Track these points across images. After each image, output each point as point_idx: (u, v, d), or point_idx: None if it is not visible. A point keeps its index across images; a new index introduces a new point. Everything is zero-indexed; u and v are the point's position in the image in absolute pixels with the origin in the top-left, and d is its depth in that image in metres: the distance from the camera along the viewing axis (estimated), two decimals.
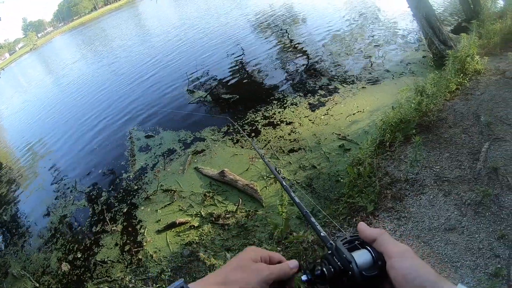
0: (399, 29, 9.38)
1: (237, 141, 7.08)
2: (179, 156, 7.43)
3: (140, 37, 25.60)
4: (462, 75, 5.84)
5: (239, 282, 0.71)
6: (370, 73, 7.71)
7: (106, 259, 5.61)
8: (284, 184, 1.28)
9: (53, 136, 12.56)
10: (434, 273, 0.66)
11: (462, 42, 6.25)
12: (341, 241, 0.80)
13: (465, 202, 3.49)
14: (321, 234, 0.92)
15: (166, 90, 11.67)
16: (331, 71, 8.55)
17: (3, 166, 12.77)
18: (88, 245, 6.18)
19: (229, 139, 7.28)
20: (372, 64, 8.08)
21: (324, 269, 0.76)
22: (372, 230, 0.78)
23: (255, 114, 7.74)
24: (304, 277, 0.78)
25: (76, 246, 6.29)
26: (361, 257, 0.74)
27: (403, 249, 0.71)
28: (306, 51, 10.43)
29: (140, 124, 9.75)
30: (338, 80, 7.93)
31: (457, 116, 4.98)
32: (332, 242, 0.84)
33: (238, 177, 5.89)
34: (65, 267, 5.90)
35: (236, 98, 9.04)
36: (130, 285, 4.89)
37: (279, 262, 0.83)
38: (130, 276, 5.05)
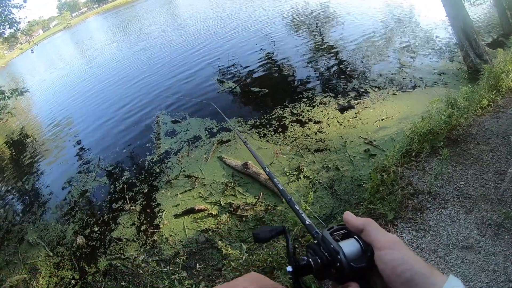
0: (435, 38, 9.19)
1: (264, 135, 7.14)
2: (204, 144, 7.54)
3: (175, 24, 25.67)
4: (495, 91, 5.74)
5: None
6: (402, 80, 7.64)
7: (121, 237, 5.80)
8: (268, 170, 1.26)
9: (81, 114, 12.94)
10: (425, 265, 0.64)
11: (499, 58, 6.15)
12: (327, 230, 0.78)
13: (486, 222, 3.48)
14: (306, 222, 0.89)
15: (196, 78, 11.85)
16: (363, 74, 8.50)
17: (29, 137, 13.24)
18: (105, 221, 6.40)
19: (255, 131, 7.34)
20: (404, 71, 7.99)
21: (311, 260, 0.74)
22: (359, 219, 0.76)
23: (283, 110, 7.77)
24: (289, 268, 0.74)
25: (94, 221, 6.52)
26: (349, 247, 0.72)
27: (392, 240, 0.69)
28: (338, 51, 10.37)
29: (168, 109, 9.92)
30: (369, 84, 7.88)
31: (486, 133, 4.92)
32: (318, 231, 0.82)
33: (261, 171, 5.91)
34: (80, 240, 6.12)
35: (265, 92, 9.08)
36: (143, 265, 4.95)
37: None
38: (143, 256, 5.19)
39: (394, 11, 12.14)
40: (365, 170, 5.32)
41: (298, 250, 3.68)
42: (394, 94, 7.23)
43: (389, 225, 3.88)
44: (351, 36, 11.05)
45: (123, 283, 4.91)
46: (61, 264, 5.82)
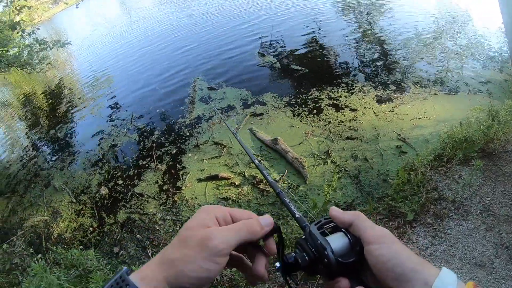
0: (488, 45, 8.76)
1: (298, 114, 7.13)
2: (237, 114, 7.66)
3: None
4: None
5: (179, 261, 0.62)
6: (445, 81, 7.41)
7: (143, 193, 6.05)
8: (257, 162, 1.19)
9: (120, 72, 13.31)
10: (416, 259, 0.63)
11: None
12: (315, 224, 0.76)
13: (504, 244, 3.44)
14: (296, 215, 0.85)
15: (238, 48, 11.78)
16: (407, 68, 8.26)
17: (67, 88, 13.75)
18: (130, 176, 6.69)
19: (290, 109, 7.34)
20: (450, 72, 7.72)
21: (298, 256, 0.73)
22: (346, 213, 0.74)
23: (319, 92, 7.69)
24: (277, 264, 0.74)
25: (119, 174, 6.82)
26: (337, 241, 0.71)
27: (381, 234, 0.68)
28: (385, 41, 10.07)
29: (206, 75, 10.03)
30: (411, 79, 7.68)
31: None
32: (308, 224, 0.79)
33: (290, 149, 5.99)
34: (103, 191, 6.46)
35: (305, 72, 8.98)
36: (160, 222, 5.24)
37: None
38: (161, 214, 5.44)
39: (449, 10, 11.51)
40: (393, 166, 5.31)
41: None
42: (435, 94, 7.03)
43: (407, 225, 3.91)
44: (400, 29, 10.65)
45: (138, 236, 5.18)
46: (82, 211, 6.18)
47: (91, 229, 5.73)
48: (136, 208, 5.79)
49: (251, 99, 8.11)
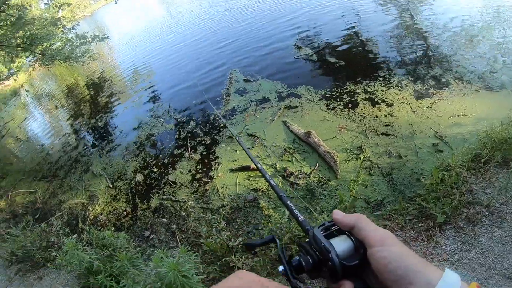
0: None
1: (333, 108, 7.08)
2: (271, 106, 7.73)
3: None
4: None
5: None
6: (488, 77, 7.03)
7: (176, 181, 6.32)
8: (260, 166, 1.24)
9: (159, 65, 13.70)
10: (419, 261, 0.63)
11: None
12: (318, 227, 0.77)
13: None
14: (299, 218, 0.87)
15: (276, 41, 11.73)
16: (448, 63, 7.90)
17: (108, 80, 14.48)
18: (164, 164, 6.99)
19: (325, 103, 7.29)
20: (494, 68, 7.30)
21: (302, 259, 0.73)
22: (348, 216, 0.75)
23: (356, 86, 7.57)
24: (280, 268, 0.74)
25: (154, 162, 7.15)
26: (341, 244, 0.72)
27: (383, 236, 0.69)
28: (426, 35, 9.66)
29: (242, 68, 10.18)
30: (452, 74, 7.34)
31: None
32: (311, 227, 0.81)
33: (322, 143, 6.02)
34: (139, 177, 6.85)
35: (341, 65, 8.85)
36: (190, 209, 5.43)
37: None
38: (192, 202, 5.63)
39: (496, 3, 10.85)
40: (428, 165, 5.16)
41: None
42: (476, 90, 6.69)
43: (436, 228, 3.81)
44: (443, 22, 10.13)
45: (164, 219, 5.53)
46: (117, 196, 6.60)
47: (124, 213, 6.07)
48: (169, 195, 6.05)
49: (286, 91, 8.13)
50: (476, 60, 7.76)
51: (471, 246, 3.52)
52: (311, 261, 0.72)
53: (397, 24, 10.83)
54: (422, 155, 5.47)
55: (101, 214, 6.18)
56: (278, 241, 0.84)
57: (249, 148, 6.50)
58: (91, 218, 6.11)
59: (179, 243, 4.81)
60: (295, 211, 0.90)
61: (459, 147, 5.25)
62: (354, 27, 11.17)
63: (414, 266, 0.62)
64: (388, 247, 0.66)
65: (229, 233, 4.04)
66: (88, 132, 10.16)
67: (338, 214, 0.77)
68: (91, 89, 14.30)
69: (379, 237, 0.68)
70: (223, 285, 0.69)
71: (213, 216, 4.37)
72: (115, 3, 16.08)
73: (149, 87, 11.42)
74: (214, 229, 4.01)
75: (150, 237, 5.28)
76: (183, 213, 5.43)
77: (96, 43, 11.40)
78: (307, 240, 0.77)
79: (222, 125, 7.51)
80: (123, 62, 16.34)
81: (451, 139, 5.66)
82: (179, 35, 17.06)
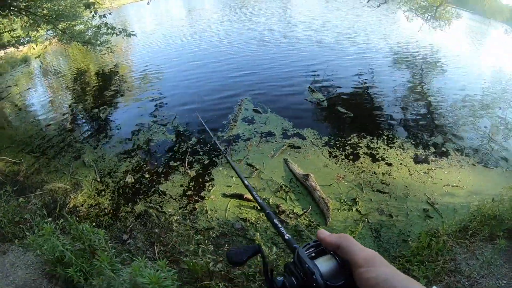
0: None
1: (334, 156, 7.20)
2: (275, 141, 7.79)
3: (286, 20, 25.35)
4: None
5: None
6: (486, 154, 7.33)
7: (166, 192, 6.22)
8: (247, 183, 1.23)
9: (174, 74, 13.60)
10: (406, 281, 0.62)
11: None
12: (303, 247, 0.76)
13: None
14: (286, 237, 0.85)
15: (291, 80, 11.94)
16: (450, 133, 8.22)
17: (119, 75, 14.39)
18: (158, 172, 6.87)
19: (327, 150, 7.42)
20: (492, 145, 7.65)
21: (286, 281, 0.72)
22: (333, 236, 0.74)
23: (359, 139, 7.75)
24: None
25: (147, 168, 7.02)
26: (325, 264, 0.70)
27: (369, 256, 0.67)
28: (433, 102, 10.08)
29: (254, 97, 10.25)
30: (453, 146, 7.64)
31: None
32: (297, 246, 0.78)
33: (319, 188, 6.06)
34: (129, 179, 6.68)
35: (349, 115, 9.08)
36: (175, 224, 5.34)
37: None
38: (178, 217, 5.55)
39: (504, 79, 11.31)
40: (416, 229, 5.28)
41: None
42: (473, 164, 6.97)
43: None
44: (451, 91, 10.63)
45: (156, 230, 5.33)
46: (103, 192, 6.42)
47: (106, 210, 5.93)
48: (155, 204, 5.96)
49: (292, 130, 8.24)
50: (476, 134, 8.10)
51: None
52: (295, 282, 0.71)
53: (408, 86, 11.26)
54: (412, 218, 5.59)
55: (82, 205, 6.04)
56: (262, 250, 0.83)
57: (246, 177, 6.42)
58: (71, 207, 5.96)
59: (157, 255, 4.75)
60: (281, 229, 0.88)
61: (448, 216, 5.40)
62: (366, 81, 11.59)
63: (402, 286, 0.62)
64: (376, 267, 0.66)
65: (214, 257, 3.97)
66: (87, 120, 10.02)
67: (322, 234, 0.76)
68: (100, 79, 14.15)
69: (365, 258, 0.68)
70: None
71: (201, 237, 4.31)
72: (148, 3, 16.01)
73: (160, 92, 11.40)
74: (200, 250, 3.93)
75: (128, 241, 5.17)
76: (166, 226, 5.38)
77: (123, 37, 11.39)
78: (291, 261, 0.76)
79: (223, 148, 7.50)
80: (138, 62, 16.26)
81: (442, 207, 5.81)
82: (197, 52, 17.02)
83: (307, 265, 0.70)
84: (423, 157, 7.20)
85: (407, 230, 5.30)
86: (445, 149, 7.49)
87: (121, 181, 6.67)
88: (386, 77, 12.36)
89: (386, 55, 15.45)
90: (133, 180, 6.67)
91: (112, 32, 11.09)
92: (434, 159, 7.14)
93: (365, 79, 11.93)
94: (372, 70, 12.95)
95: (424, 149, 7.48)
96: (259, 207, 5.50)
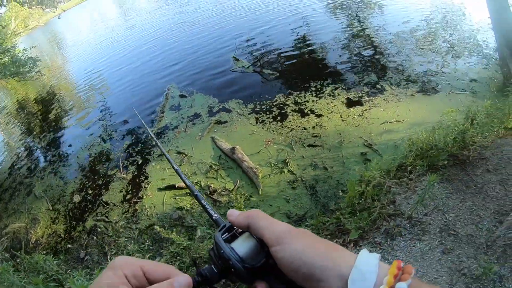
0: (478, 40, 8.13)
1: (262, 121, 6.81)
2: (202, 122, 7.51)
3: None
4: None
5: None
6: (426, 80, 6.83)
7: (109, 201, 6.13)
8: (176, 167, 1.13)
9: (108, 83, 13.01)
10: (324, 253, 0.56)
11: None
12: (219, 231, 0.71)
13: (461, 270, 2.77)
14: (213, 217, 0.81)
15: (215, 52, 11.43)
16: (384, 68, 7.68)
17: (56, 94, 14.04)
18: (99, 185, 6.76)
19: (254, 116, 7.03)
20: (432, 70, 7.14)
21: (207, 271, 0.66)
22: (241, 216, 0.68)
23: (286, 98, 7.28)
24: (196, 279, 0.66)
25: (90, 184, 6.92)
26: (244, 246, 0.66)
27: (279, 233, 0.61)
28: (369, 41, 9.46)
29: (179, 82, 9.83)
30: (388, 80, 7.10)
31: (502, 161, 4.01)
32: (226, 223, 0.73)
33: (246, 158, 5.77)
34: (76, 198, 6.64)
35: (275, 76, 8.50)
36: (121, 230, 5.30)
37: (166, 277, 0.60)
38: (123, 222, 5.48)
39: (443, 7, 10.89)
40: (355, 175, 4.70)
41: None
42: (412, 95, 6.45)
43: (351, 244, 3.37)
44: (390, 26, 10.03)
45: (106, 240, 5.30)
46: (57, 219, 6.34)
47: (62, 235, 5.89)
48: (102, 216, 5.89)
49: (217, 106, 7.81)
50: (412, 63, 7.67)
51: (387, 263, 2.91)
52: (215, 270, 0.65)
53: (342, 33, 10.56)
54: (349, 165, 5.19)
55: (42, 237, 6.02)
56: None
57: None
58: (33, 242, 5.95)
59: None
60: (209, 209, 0.83)
61: (390, 154, 4.79)
62: (299, 39, 10.80)
63: (319, 261, 0.55)
64: (286, 245, 0.60)
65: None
66: (32, 152, 9.75)
67: (231, 215, 0.70)
68: (40, 105, 13.67)
69: (275, 235, 0.62)
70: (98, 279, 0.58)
71: (145, 236, 4.58)
72: (59, 18, 15.68)
73: (91, 109, 10.86)
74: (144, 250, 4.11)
75: (85, 258, 5.16)
76: (114, 234, 5.31)
77: (31, 64, 10.92)
78: (212, 247, 0.69)
79: (153, 143, 7.30)
80: (72, 77, 15.78)
81: (381, 147, 5.37)
82: (130, 52, 15.99)
83: (222, 251, 0.65)
84: (356, 99, 6.67)
85: (345, 180, 4.83)
86: (379, 86, 6.94)
87: (70, 204, 6.58)
88: (320, 27, 11.55)
89: (319, 7, 14.37)
90: (79, 199, 6.63)
91: (19, 63, 10.58)
92: (368, 99, 6.61)
93: (298, 36, 11.09)
94: (305, 24, 12.10)
95: (356, 91, 6.93)
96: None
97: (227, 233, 0.69)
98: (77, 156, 8.02)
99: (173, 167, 1.12)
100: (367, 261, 0.52)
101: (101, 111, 10.15)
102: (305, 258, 0.56)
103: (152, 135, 1.94)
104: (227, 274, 0.65)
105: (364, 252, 0.54)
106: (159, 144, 1.44)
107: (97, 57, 17.33)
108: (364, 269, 0.51)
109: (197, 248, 3.74)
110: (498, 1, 6.52)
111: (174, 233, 4.39)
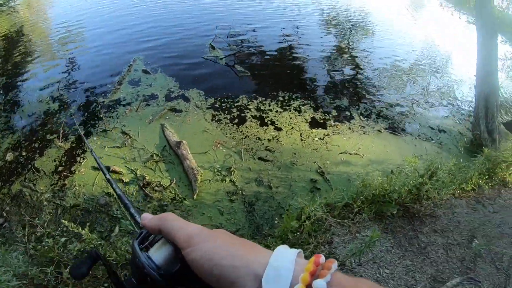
0: (456, 94, 8.18)
1: (218, 120, 6.40)
2: (157, 105, 6.98)
3: None
4: (487, 177, 4.65)
5: None
6: (396, 119, 6.70)
7: (40, 169, 5.57)
8: (108, 176, 1.01)
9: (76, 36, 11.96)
10: (235, 253, 0.54)
11: (509, 144, 5.33)
12: (136, 238, 0.66)
13: None
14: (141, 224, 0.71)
15: (193, 36, 10.77)
16: (360, 97, 7.48)
17: (27, 38, 12.69)
18: (34, 148, 6.11)
19: (211, 113, 6.60)
20: (404, 112, 7.03)
21: (125, 282, 0.64)
22: (154, 219, 0.65)
23: (249, 101, 6.90)
24: None
25: (26, 144, 6.23)
26: (160, 252, 0.63)
27: (188, 235, 0.59)
28: (352, 64, 9.31)
29: (148, 56, 9.12)
30: (360, 109, 6.90)
31: (451, 223, 3.85)
32: (144, 230, 0.69)
33: (190, 156, 5.36)
34: (9, 157, 6.06)
35: (246, 75, 8.10)
36: (45, 203, 4.90)
37: None
38: (49, 195, 5.02)
39: (432, 49, 10.94)
40: (297, 205, 4.32)
41: None
42: (379, 130, 6.27)
43: None
44: (376, 55, 9.92)
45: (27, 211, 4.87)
46: None
47: None
48: (29, 183, 5.32)
49: (177, 91, 7.29)
50: (389, 99, 7.54)
51: None
52: (133, 279, 0.63)
53: (328, 50, 10.34)
54: (295, 189, 4.94)
55: None
56: (100, 255, 0.68)
57: (118, 147, 5.85)
58: None
59: (26, 238, 4.16)
60: (138, 218, 0.76)
61: (341, 188, 4.44)
62: (285, 43, 10.45)
63: (230, 261, 0.53)
64: (197, 246, 0.57)
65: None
66: None
67: (144, 219, 0.67)
68: (6, 43, 12.23)
69: (184, 238, 0.59)
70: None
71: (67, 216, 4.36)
72: None
73: (57, 60, 9.87)
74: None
75: (4, 225, 4.74)
76: (37, 206, 4.89)
77: None
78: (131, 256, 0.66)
79: (101, 116, 6.65)
80: (49, 22, 14.19)
81: (334, 177, 5.12)
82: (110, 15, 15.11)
83: (137, 260, 0.62)
84: (321, 121, 6.39)
85: (287, 204, 4.59)
86: (348, 113, 6.72)
87: (1, 161, 5.92)
88: (308, 39, 11.24)
89: (314, 17, 14.24)
90: (12, 158, 5.98)
91: None
92: (333, 123, 6.36)
93: (285, 39, 10.74)
94: (296, 31, 11.80)
95: (324, 112, 6.65)
96: (124, 180, 5.11)
97: (146, 241, 0.65)
98: (22, 110, 7.31)
99: (105, 176, 1.05)
100: (282, 257, 0.49)
101: (62, 69, 9.16)
102: (216, 260, 0.53)
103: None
104: (146, 283, 0.60)
105: (281, 247, 0.51)
106: (91, 147, 1.36)
107: (83, 10, 15.57)
108: (279, 265, 0.48)
109: (111, 251, 3.33)
110: (488, 65, 6.62)
111: (86, 229, 3.98)
